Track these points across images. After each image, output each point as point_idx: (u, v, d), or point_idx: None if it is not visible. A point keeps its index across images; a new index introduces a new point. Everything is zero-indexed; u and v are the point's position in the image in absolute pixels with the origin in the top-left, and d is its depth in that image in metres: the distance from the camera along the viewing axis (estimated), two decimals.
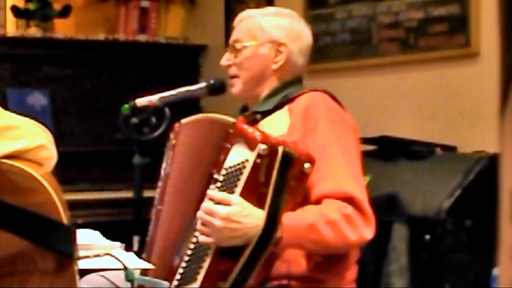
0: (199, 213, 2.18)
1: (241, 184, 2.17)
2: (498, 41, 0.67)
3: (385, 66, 3.78)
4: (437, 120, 3.55)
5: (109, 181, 4.23)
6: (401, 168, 3.15)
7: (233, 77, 2.54)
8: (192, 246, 2.21)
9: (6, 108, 1.70)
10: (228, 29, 4.55)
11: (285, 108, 2.44)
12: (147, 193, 2.52)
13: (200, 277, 2.18)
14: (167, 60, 4.66)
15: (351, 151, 2.35)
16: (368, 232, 2.24)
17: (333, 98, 2.46)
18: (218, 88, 2.58)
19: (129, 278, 1.86)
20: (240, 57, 2.52)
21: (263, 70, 2.51)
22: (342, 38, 3.95)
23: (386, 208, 2.62)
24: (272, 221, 2.14)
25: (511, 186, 0.65)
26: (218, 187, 2.20)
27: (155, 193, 2.51)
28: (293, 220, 2.18)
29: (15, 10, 4.43)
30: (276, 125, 2.36)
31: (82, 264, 1.81)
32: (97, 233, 2.17)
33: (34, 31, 4.42)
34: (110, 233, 2.22)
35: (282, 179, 2.15)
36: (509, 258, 0.65)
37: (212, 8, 4.72)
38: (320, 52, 3.93)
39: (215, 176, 2.20)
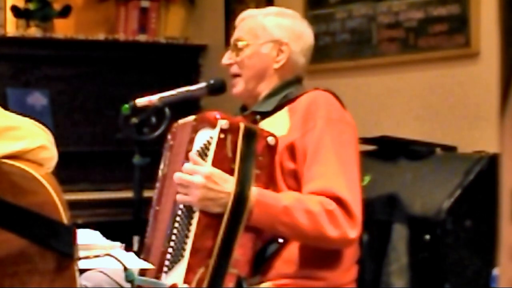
0: (178, 174, 2.23)
1: (209, 159, 2.23)
2: (498, 41, 0.67)
3: (385, 66, 3.78)
4: (437, 120, 3.55)
5: (109, 181, 4.23)
6: (401, 168, 3.15)
7: (234, 76, 2.55)
8: (175, 231, 2.24)
9: (6, 108, 1.70)
10: (228, 29, 4.55)
11: (285, 108, 2.44)
12: (147, 193, 2.52)
13: (186, 254, 2.20)
14: (167, 60, 4.66)
15: (346, 150, 2.34)
16: (352, 232, 2.22)
17: (335, 96, 2.46)
18: (218, 88, 2.58)
19: (129, 278, 1.86)
20: (241, 56, 2.52)
21: (265, 69, 2.52)
22: (342, 38, 3.95)
23: (386, 208, 2.63)
24: (242, 190, 2.20)
25: (511, 186, 0.65)
26: None
27: (154, 193, 2.51)
28: (268, 198, 2.22)
29: (15, 10, 4.42)
30: (276, 127, 2.36)
31: (82, 264, 1.81)
32: (97, 233, 2.17)
33: (34, 31, 4.42)
34: (110, 233, 2.22)
35: (248, 151, 2.23)
36: (509, 258, 0.65)
37: (212, 8, 4.72)
38: (320, 52, 3.93)
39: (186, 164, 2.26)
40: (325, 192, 2.23)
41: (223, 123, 2.22)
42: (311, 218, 2.19)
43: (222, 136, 2.22)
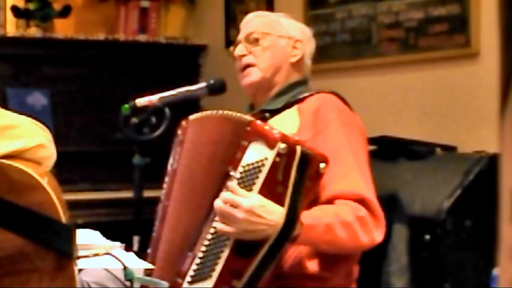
0: (219, 203, 2.15)
1: (259, 182, 2.15)
2: (498, 41, 0.67)
3: (385, 66, 3.77)
4: (437, 120, 3.55)
5: (109, 181, 4.23)
6: (401, 168, 3.15)
7: (247, 66, 2.54)
8: (207, 242, 2.20)
9: (6, 108, 1.70)
10: (228, 29, 4.55)
11: (294, 107, 2.45)
12: (147, 193, 2.52)
13: (215, 275, 2.17)
14: (167, 60, 4.65)
15: (361, 153, 2.37)
16: (378, 234, 2.26)
17: (342, 100, 2.47)
18: (218, 88, 2.58)
19: (128, 277, 1.86)
20: (261, 44, 2.52)
21: (282, 61, 2.53)
22: (342, 38, 3.94)
23: (386, 208, 2.62)
24: (291, 220, 2.13)
25: (511, 186, 0.65)
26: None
27: (155, 193, 2.51)
28: (311, 219, 2.18)
29: (15, 10, 4.42)
30: (285, 124, 2.36)
31: (81, 264, 1.81)
32: (97, 233, 2.17)
33: (34, 31, 4.41)
34: (110, 233, 2.22)
35: (300, 178, 2.14)
36: (509, 258, 0.65)
37: (212, 8, 4.72)
38: (320, 52, 3.91)
39: (232, 173, 2.19)
40: (350, 194, 2.24)
41: (281, 147, 2.13)
42: (348, 230, 2.21)
43: (277, 159, 2.13)
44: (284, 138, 2.16)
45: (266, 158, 2.15)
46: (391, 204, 2.82)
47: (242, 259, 2.16)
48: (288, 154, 2.14)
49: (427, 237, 2.88)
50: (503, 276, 0.66)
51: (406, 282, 2.75)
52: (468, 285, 2.91)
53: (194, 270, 2.20)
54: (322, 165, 2.17)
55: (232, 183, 2.17)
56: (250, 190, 2.16)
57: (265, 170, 2.15)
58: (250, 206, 2.12)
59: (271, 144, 2.15)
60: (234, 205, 2.13)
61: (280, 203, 2.14)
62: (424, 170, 3.10)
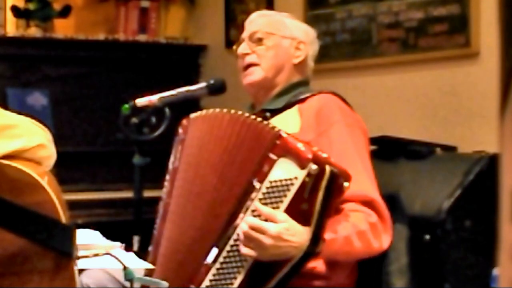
0: (244, 227, 2.13)
1: (287, 200, 2.12)
2: (498, 41, 0.67)
3: (385, 66, 3.77)
4: (437, 120, 3.55)
5: (109, 181, 4.23)
6: (401, 168, 3.15)
7: (249, 65, 2.53)
8: (225, 254, 2.19)
9: (6, 108, 1.70)
10: (228, 29, 4.54)
11: (295, 107, 2.45)
12: (147, 193, 2.52)
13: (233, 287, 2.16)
14: (167, 60, 4.65)
15: (365, 154, 2.38)
16: (386, 240, 2.29)
17: (343, 100, 2.48)
18: (218, 88, 2.58)
19: (128, 277, 1.86)
20: (265, 44, 2.52)
21: (284, 62, 2.53)
22: (342, 38, 3.94)
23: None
24: (316, 239, 2.12)
25: (511, 186, 0.65)
26: (260, 199, 2.15)
27: (155, 193, 2.51)
28: (331, 233, 2.19)
29: (15, 10, 4.42)
30: (287, 124, 2.36)
31: (81, 264, 1.81)
32: (97, 233, 2.17)
33: (34, 31, 4.41)
34: (110, 233, 2.22)
35: (326, 197, 2.11)
36: (509, 258, 0.65)
37: (212, 8, 4.72)
38: (320, 52, 3.92)
39: (257, 186, 2.16)
40: (359, 196, 2.24)
41: (313, 169, 2.08)
42: (363, 239, 2.23)
43: (306, 179, 2.10)
44: (315, 158, 2.10)
45: (296, 178, 2.11)
46: (391, 204, 2.82)
47: (263, 274, 2.15)
48: (317, 174, 2.09)
49: (427, 237, 2.88)
50: (503, 276, 0.66)
51: (406, 282, 2.75)
52: (468, 285, 2.91)
53: (211, 280, 2.19)
54: (346, 183, 2.14)
55: (257, 204, 2.14)
56: (277, 207, 2.13)
57: (293, 190, 2.11)
58: (277, 232, 2.10)
59: (302, 164, 2.10)
60: (260, 231, 2.11)
61: (304, 220, 2.12)
62: (424, 170, 3.09)
